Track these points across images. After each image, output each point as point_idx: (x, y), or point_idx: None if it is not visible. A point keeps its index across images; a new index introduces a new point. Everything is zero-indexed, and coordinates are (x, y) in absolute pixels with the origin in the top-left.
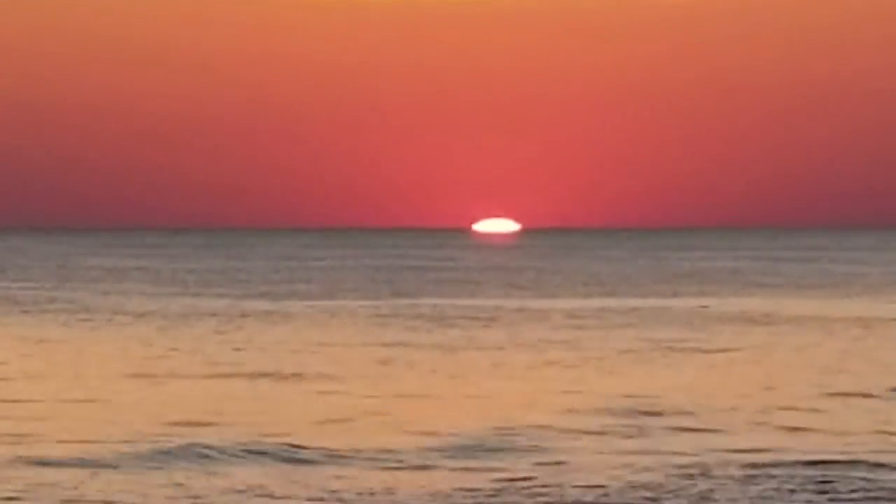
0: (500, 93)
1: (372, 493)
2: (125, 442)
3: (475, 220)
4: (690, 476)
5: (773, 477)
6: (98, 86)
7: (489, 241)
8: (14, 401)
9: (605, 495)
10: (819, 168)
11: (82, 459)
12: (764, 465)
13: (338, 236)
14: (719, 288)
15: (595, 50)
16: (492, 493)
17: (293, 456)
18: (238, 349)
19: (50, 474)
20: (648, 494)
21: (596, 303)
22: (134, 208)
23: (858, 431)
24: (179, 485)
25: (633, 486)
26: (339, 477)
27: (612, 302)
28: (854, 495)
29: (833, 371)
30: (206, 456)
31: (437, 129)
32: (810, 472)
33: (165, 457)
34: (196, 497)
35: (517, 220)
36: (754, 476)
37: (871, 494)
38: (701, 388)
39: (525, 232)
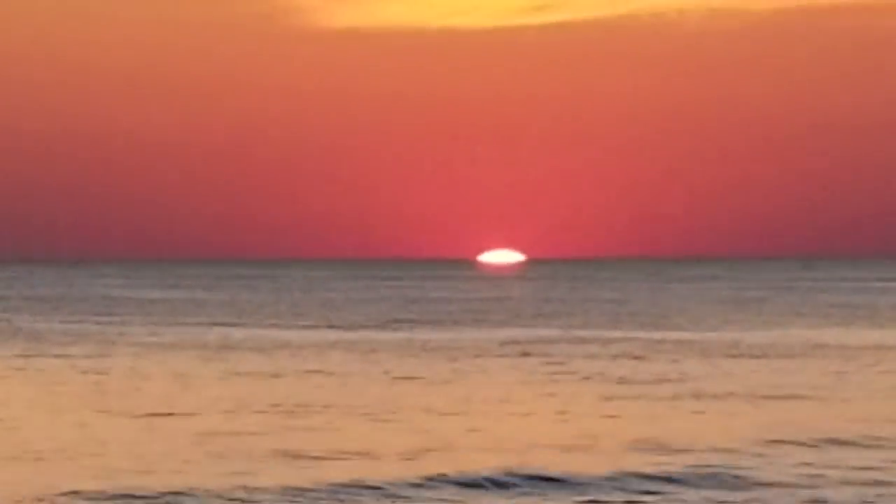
0: (504, 122)
1: None
2: None
3: (480, 250)
4: None
5: None
6: (90, 114)
7: (494, 272)
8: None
9: None
10: (827, 197)
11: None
12: None
13: (342, 267)
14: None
15: (601, 78)
16: None
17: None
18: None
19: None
20: None
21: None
22: (126, 239)
23: None
24: None
25: None
26: None
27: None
28: None
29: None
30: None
31: (442, 158)
32: None
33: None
34: None
35: (522, 250)
36: None
37: None
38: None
39: (530, 262)
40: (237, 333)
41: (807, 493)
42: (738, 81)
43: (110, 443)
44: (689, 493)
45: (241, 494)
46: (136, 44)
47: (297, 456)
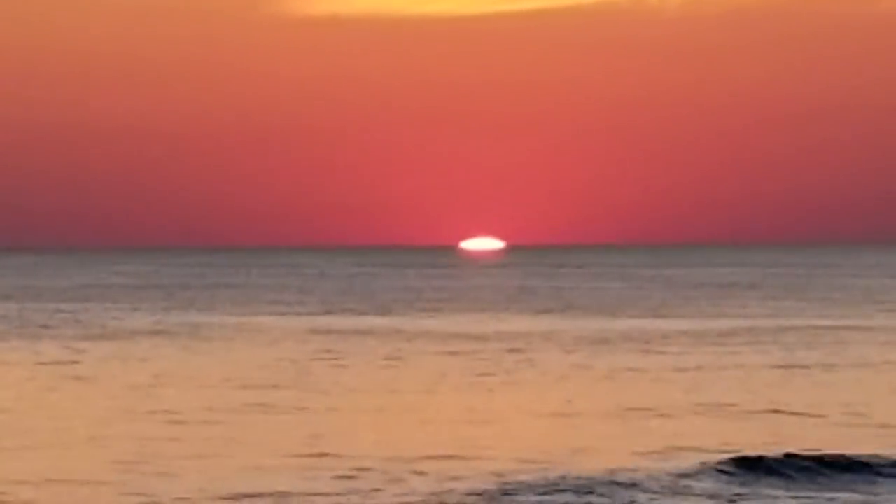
0: (487, 109)
1: None
2: None
3: (462, 237)
4: None
5: None
6: (71, 102)
7: (476, 258)
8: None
9: None
10: (814, 182)
11: None
12: None
13: (324, 254)
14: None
15: (582, 65)
16: None
17: None
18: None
19: None
20: None
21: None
22: (113, 228)
23: None
24: None
25: None
26: None
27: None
28: None
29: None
30: None
31: (423, 145)
32: None
33: None
34: None
35: (503, 237)
36: None
37: None
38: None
39: (510, 249)
40: (211, 318)
41: None
42: (718, 67)
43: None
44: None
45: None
46: (118, 31)
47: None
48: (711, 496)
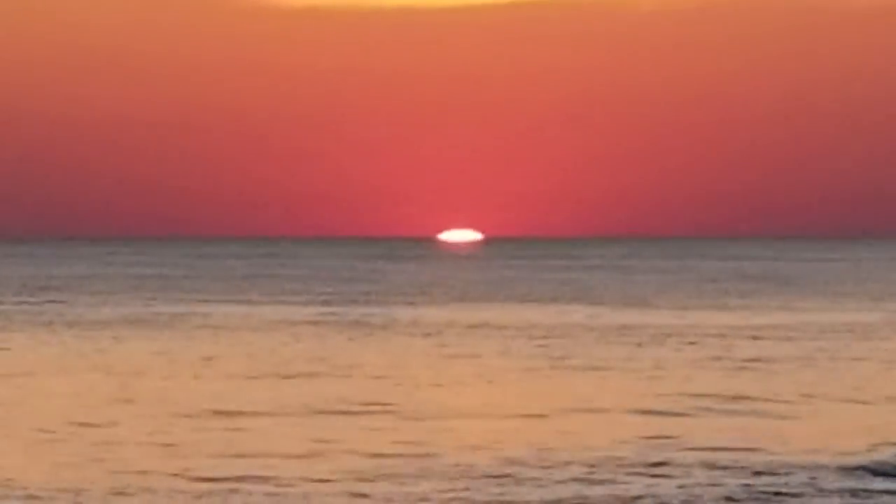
0: (461, 101)
1: None
2: None
3: (441, 229)
4: None
5: None
6: (63, 94)
7: (453, 249)
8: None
9: None
10: (790, 176)
11: None
12: None
13: (305, 245)
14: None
15: (561, 57)
16: None
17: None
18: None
19: None
20: None
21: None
22: (95, 217)
23: None
24: None
25: None
26: None
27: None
28: None
29: None
30: None
31: (406, 136)
32: None
33: None
34: None
35: (480, 229)
36: None
37: None
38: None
39: (488, 241)
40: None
41: None
42: (692, 62)
43: None
44: None
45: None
46: (97, 21)
47: None
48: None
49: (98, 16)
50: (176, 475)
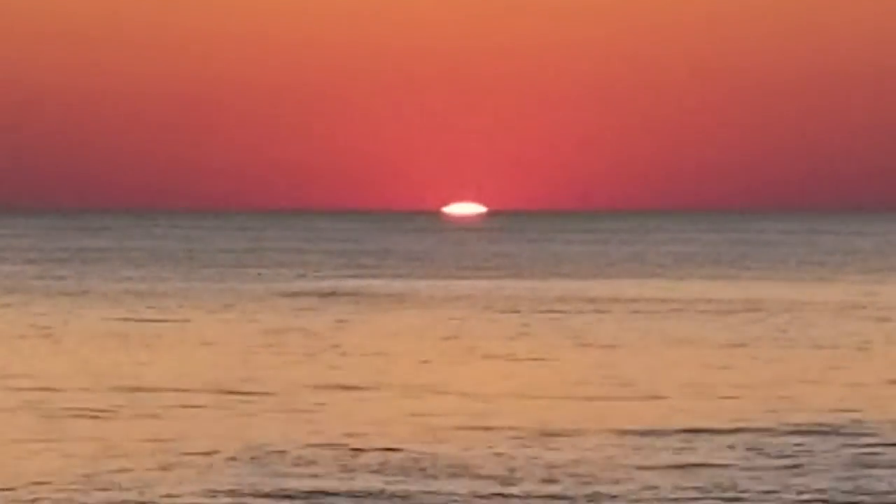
0: (470, 75)
1: None
2: None
3: (445, 203)
4: None
5: None
6: (56, 65)
7: (458, 223)
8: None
9: None
10: (790, 151)
11: None
12: None
13: (309, 218)
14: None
15: (564, 31)
16: None
17: None
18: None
19: None
20: None
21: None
22: (87, 189)
23: None
24: None
25: None
26: None
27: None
28: None
29: None
30: None
31: (405, 110)
32: None
33: None
34: None
35: (485, 203)
36: None
37: None
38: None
39: (492, 215)
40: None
41: None
42: (702, 35)
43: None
44: None
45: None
46: None
47: None
48: None
49: None
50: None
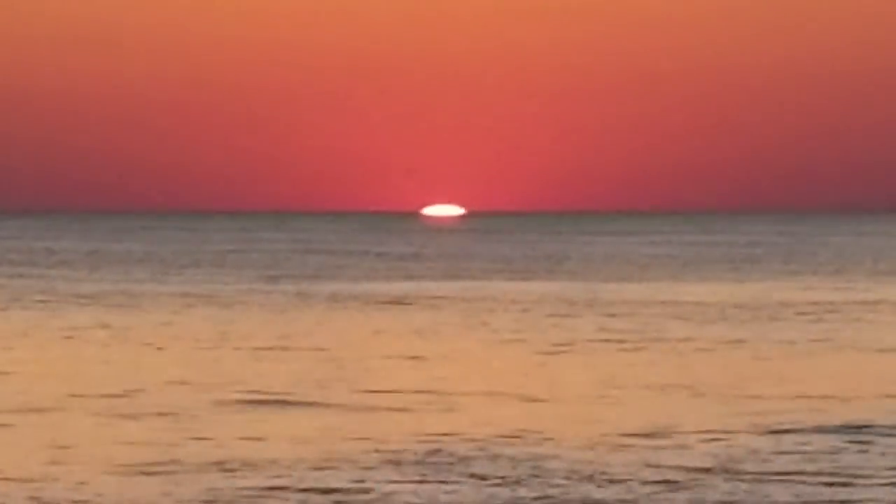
0: (448, 77)
1: None
2: None
3: (425, 204)
4: None
5: None
6: (48, 68)
7: (437, 224)
8: None
9: None
10: (769, 151)
11: None
12: None
13: (290, 220)
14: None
15: (546, 33)
16: None
17: None
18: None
19: None
20: None
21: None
22: (79, 191)
23: None
24: None
25: None
26: None
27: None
28: None
29: None
30: None
31: (385, 110)
32: None
33: None
34: None
35: (462, 204)
36: None
37: None
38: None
39: (470, 216)
40: (158, 288)
41: None
42: (682, 36)
43: None
44: None
45: None
46: None
47: None
48: None
49: None
50: None
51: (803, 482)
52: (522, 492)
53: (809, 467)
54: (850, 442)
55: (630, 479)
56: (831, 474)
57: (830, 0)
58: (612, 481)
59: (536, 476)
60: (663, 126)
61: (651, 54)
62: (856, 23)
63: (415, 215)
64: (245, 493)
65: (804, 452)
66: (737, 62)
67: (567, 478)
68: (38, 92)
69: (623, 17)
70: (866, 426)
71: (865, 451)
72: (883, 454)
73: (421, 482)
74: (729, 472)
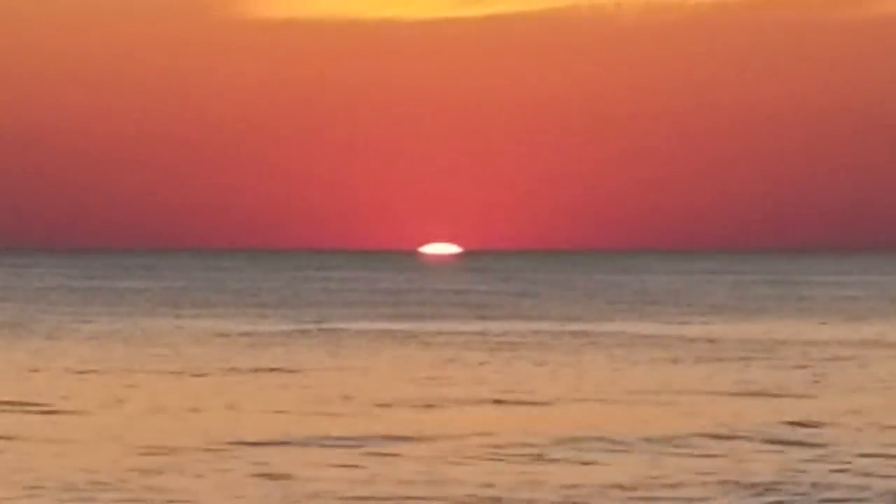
0: (443, 115)
1: None
2: None
3: (422, 242)
4: None
5: None
6: (43, 105)
7: (433, 262)
8: None
9: None
10: (760, 190)
11: None
12: None
13: (291, 258)
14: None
15: (541, 70)
16: None
17: None
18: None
19: None
20: None
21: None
22: (79, 229)
23: None
24: None
25: None
26: None
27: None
28: None
29: None
30: None
31: (380, 148)
32: None
33: None
34: None
35: (458, 242)
36: None
37: None
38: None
39: (467, 254)
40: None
41: None
42: (675, 75)
43: None
44: None
45: None
46: (68, 30)
47: None
48: None
49: (66, 26)
50: None
51: None
52: None
53: None
54: None
55: None
56: None
57: (828, 37)
58: None
59: None
60: (665, 164)
61: (647, 93)
62: (844, 66)
63: (412, 254)
64: None
65: None
66: (735, 101)
67: None
68: (38, 129)
69: (620, 57)
70: None
71: None
72: None
73: None
74: None
